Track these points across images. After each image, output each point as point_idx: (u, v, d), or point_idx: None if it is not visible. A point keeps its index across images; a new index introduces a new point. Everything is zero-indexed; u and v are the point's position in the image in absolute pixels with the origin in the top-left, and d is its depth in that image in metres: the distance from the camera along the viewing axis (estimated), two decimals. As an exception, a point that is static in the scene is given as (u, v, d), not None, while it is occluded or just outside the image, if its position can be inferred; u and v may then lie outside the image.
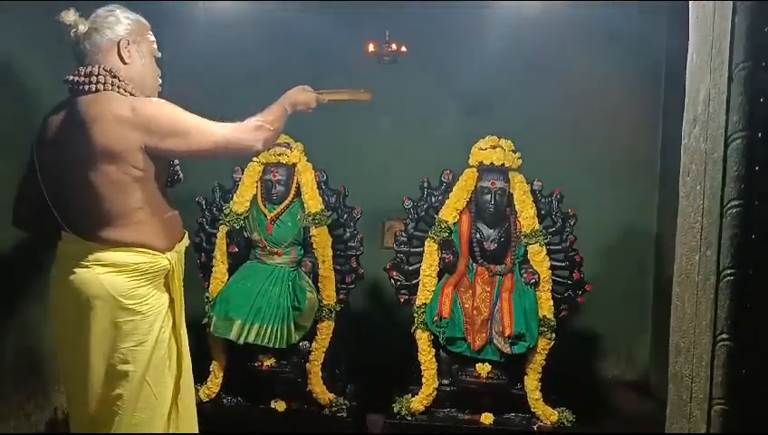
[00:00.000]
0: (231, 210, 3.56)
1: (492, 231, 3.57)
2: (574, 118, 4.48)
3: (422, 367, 3.43)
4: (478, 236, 3.56)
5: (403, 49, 3.90)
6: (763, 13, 1.54)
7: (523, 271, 3.47)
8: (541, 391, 3.37)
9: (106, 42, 2.17)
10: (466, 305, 3.39)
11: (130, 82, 2.18)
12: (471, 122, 4.24)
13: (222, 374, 3.52)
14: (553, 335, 3.36)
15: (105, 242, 2.12)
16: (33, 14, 2.99)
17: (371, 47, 3.90)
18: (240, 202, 3.57)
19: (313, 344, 3.49)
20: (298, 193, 3.60)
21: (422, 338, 3.44)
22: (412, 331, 3.48)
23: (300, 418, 3.46)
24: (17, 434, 3.17)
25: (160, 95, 2.29)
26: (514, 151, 3.56)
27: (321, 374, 3.48)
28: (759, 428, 1.60)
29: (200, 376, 3.36)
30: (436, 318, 3.36)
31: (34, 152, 2.21)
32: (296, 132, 3.53)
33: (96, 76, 2.12)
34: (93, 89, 2.11)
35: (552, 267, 3.48)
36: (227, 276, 3.55)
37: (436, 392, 3.41)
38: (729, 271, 1.59)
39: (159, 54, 2.33)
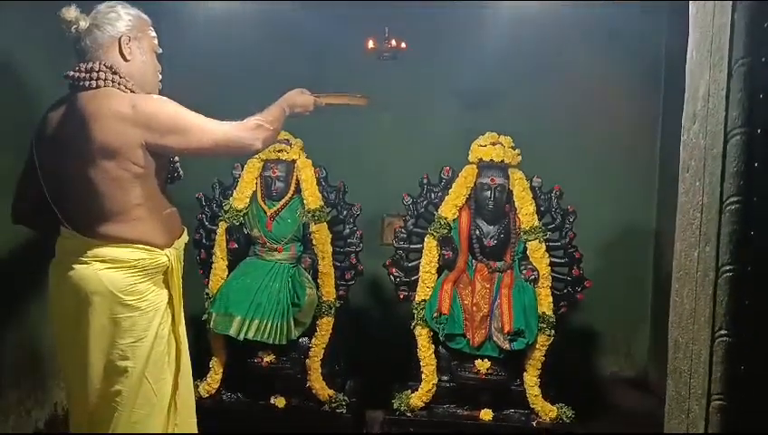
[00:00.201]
0: (231, 207, 3.56)
1: (491, 228, 3.57)
2: (574, 115, 4.48)
3: (421, 363, 3.43)
4: (478, 232, 3.56)
5: (403, 45, 3.91)
6: (762, 8, 1.54)
7: (522, 267, 3.47)
8: (540, 387, 3.38)
9: (107, 38, 2.16)
10: (466, 302, 3.39)
11: (131, 78, 2.18)
12: (471, 119, 4.25)
13: (222, 370, 3.52)
14: (552, 332, 3.36)
15: (104, 238, 2.13)
16: (33, 10, 2.99)
17: (371, 44, 3.91)
18: (240, 199, 3.57)
19: (313, 341, 3.50)
20: (298, 189, 3.60)
21: (421, 334, 3.44)
22: (411, 327, 3.48)
23: (299, 414, 3.46)
24: (17, 433, 3.18)
25: (160, 92, 2.29)
26: (514, 148, 3.57)
27: (320, 370, 3.48)
28: (757, 424, 1.60)
29: (200, 372, 3.37)
30: (436, 314, 3.37)
31: (34, 148, 2.21)
32: (296, 129, 3.53)
33: (97, 72, 2.12)
34: (94, 85, 2.11)
35: (552, 264, 3.48)
36: (227, 273, 3.55)
37: (435, 388, 3.42)
38: (728, 267, 1.59)
39: (160, 51, 2.33)
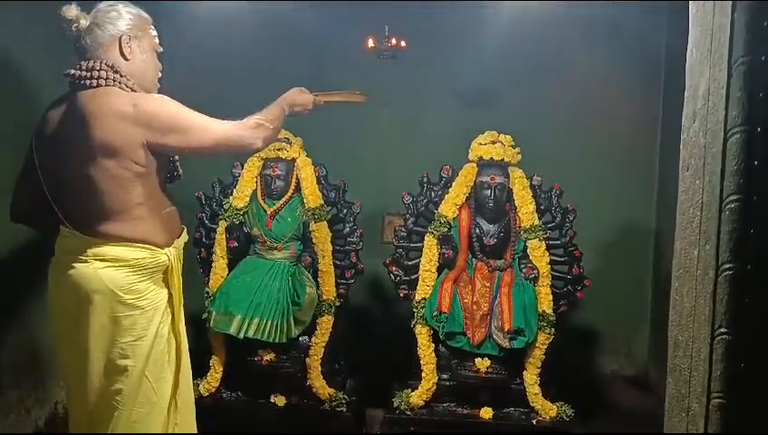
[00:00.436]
0: (231, 205, 3.57)
1: (491, 226, 3.57)
2: (574, 114, 4.48)
3: (422, 362, 3.44)
4: (478, 231, 3.56)
5: (403, 44, 3.91)
6: (762, 7, 1.54)
7: (522, 266, 3.48)
8: (540, 385, 3.38)
9: (108, 37, 2.16)
10: (466, 300, 3.39)
11: (132, 77, 2.18)
12: (471, 118, 4.24)
13: (222, 369, 3.53)
14: (552, 330, 3.36)
15: (105, 237, 2.12)
16: (33, 10, 2.99)
17: (371, 42, 3.91)
18: (240, 197, 3.57)
19: (313, 339, 3.50)
20: (298, 188, 3.60)
21: (422, 333, 3.45)
22: (412, 326, 3.48)
23: (299, 412, 3.46)
24: (18, 432, 3.18)
25: (160, 91, 2.29)
26: (514, 147, 3.57)
27: (320, 369, 3.48)
28: (757, 422, 1.60)
29: (200, 371, 3.37)
30: (436, 313, 3.37)
31: (34, 147, 2.21)
32: (296, 127, 3.53)
33: (98, 71, 2.12)
34: (95, 84, 2.11)
35: (552, 262, 3.48)
36: (227, 271, 3.55)
37: (435, 387, 3.42)
38: (728, 265, 1.59)
39: (161, 49, 2.33)
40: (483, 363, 3.35)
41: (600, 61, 4.46)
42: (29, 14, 3.02)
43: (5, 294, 3.07)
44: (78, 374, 2.18)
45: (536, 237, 3.46)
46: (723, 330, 1.60)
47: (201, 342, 3.42)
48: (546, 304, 3.40)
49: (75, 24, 2.15)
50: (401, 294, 3.61)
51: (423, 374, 3.43)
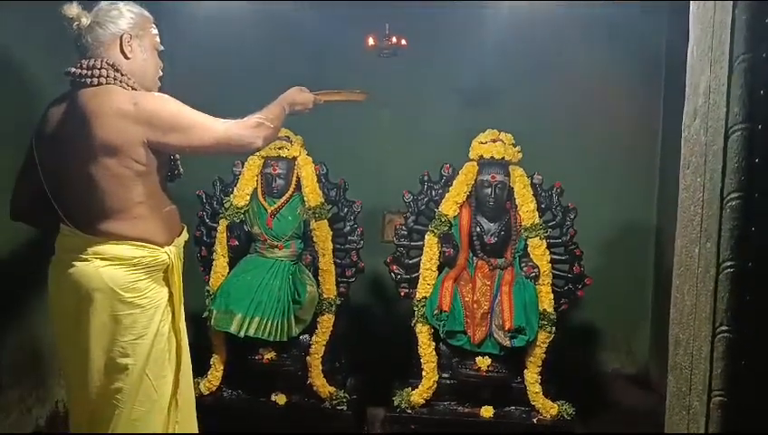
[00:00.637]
0: (231, 204, 3.57)
1: (492, 225, 3.57)
2: (574, 114, 4.48)
3: (422, 360, 3.44)
4: (478, 229, 3.56)
5: (403, 42, 3.91)
6: (763, 5, 1.53)
7: (523, 264, 3.47)
8: (540, 384, 3.38)
9: (108, 36, 2.16)
10: (466, 299, 3.39)
11: (132, 76, 2.18)
12: (471, 117, 4.23)
13: (222, 367, 3.53)
14: (553, 329, 3.36)
15: (105, 235, 2.13)
16: (33, 9, 2.99)
17: (371, 41, 3.91)
18: (240, 196, 3.57)
19: (314, 338, 3.50)
20: (298, 187, 3.60)
21: (422, 331, 3.45)
22: (412, 324, 3.48)
23: (300, 411, 3.47)
24: (19, 432, 3.18)
25: (161, 90, 2.29)
26: (514, 145, 3.56)
27: (321, 368, 3.48)
28: (758, 420, 1.60)
29: (201, 369, 3.38)
30: (437, 311, 3.37)
31: (34, 145, 2.21)
32: (296, 126, 3.53)
33: (98, 69, 2.12)
34: (95, 82, 2.11)
35: (552, 261, 3.48)
36: (228, 270, 3.56)
37: (436, 386, 3.42)
38: (729, 263, 1.59)
39: (162, 48, 2.33)
40: (483, 362, 3.35)
41: (599, 60, 4.45)
42: (29, 14, 3.02)
43: (5, 294, 3.07)
44: (78, 373, 2.18)
45: (537, 236, 3.46)
46: (724, 328, 1.60)
47: (202, 340, 3.42)
48: (547, 302, 3.40)
49: (76, 23, 2.15)
50: (402, 293, 3.61)
51: (424, 373, 3.43)
